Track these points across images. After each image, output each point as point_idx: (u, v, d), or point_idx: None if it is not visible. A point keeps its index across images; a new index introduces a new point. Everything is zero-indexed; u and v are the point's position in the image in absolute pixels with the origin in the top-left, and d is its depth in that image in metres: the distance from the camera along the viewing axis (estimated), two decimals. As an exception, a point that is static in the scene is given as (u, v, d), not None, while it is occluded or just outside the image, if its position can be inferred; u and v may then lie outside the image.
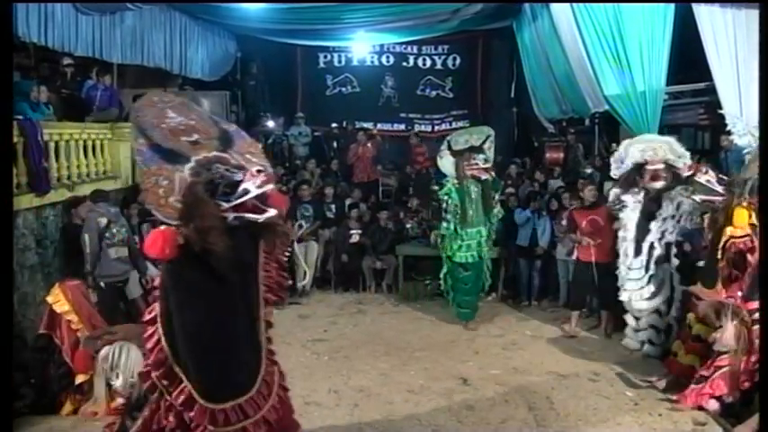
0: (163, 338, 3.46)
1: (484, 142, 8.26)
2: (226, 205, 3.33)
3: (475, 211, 8.15)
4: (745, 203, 5.85)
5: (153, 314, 3.53)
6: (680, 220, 6.59)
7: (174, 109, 3.56)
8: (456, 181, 8.16)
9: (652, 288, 6.55)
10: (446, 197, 8.17)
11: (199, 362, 3.44)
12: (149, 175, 3.43)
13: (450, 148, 8.30)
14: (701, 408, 5.57)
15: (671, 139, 6.85)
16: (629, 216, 6.76)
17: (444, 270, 8.42)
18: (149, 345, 3.54)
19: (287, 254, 3.85)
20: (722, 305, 5.55)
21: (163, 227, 3.41)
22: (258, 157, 3.64)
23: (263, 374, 3.60)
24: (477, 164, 8.08)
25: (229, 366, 3.49)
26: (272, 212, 3.39)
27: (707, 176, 6.40)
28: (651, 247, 6.58)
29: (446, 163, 8.34)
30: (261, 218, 3.37)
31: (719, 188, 6.19)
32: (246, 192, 3.31)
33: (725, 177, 6.45)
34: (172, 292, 3.44)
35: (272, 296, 3.69)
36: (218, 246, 3.25)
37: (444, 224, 8.23)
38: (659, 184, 6.59)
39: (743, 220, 5.78)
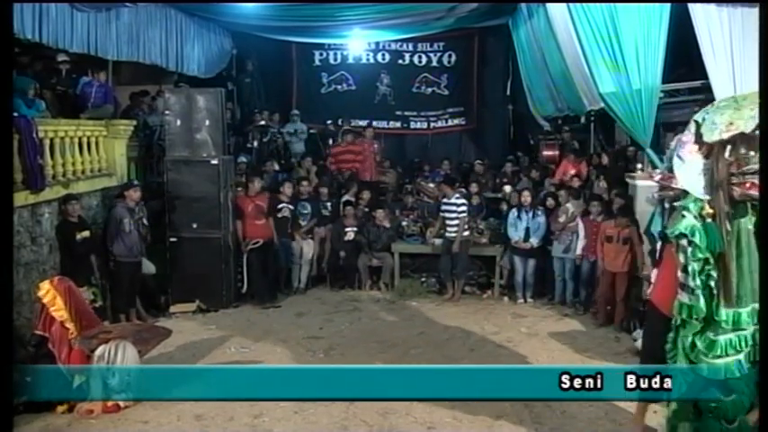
0: None
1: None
2: None
3: (746, 273, 3.93)
4: None
5: None
6: None
7: None
8: (709, 209, 3.92)
9: None
10: (684, 242, 3.94)
11: None
12: None
13: (699, 136, 3.98)
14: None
15: None
16: None
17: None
18: None
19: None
20: None
21: None
22: None
23: None
24: (752, 170, 3.87)
25: None
26: None
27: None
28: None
29: (689, 169, 4.00)
30: None
31: None
32: None
33: None
34: None
35: None
36: None
37: (682, 295, 4.00)
38: None
39: None
